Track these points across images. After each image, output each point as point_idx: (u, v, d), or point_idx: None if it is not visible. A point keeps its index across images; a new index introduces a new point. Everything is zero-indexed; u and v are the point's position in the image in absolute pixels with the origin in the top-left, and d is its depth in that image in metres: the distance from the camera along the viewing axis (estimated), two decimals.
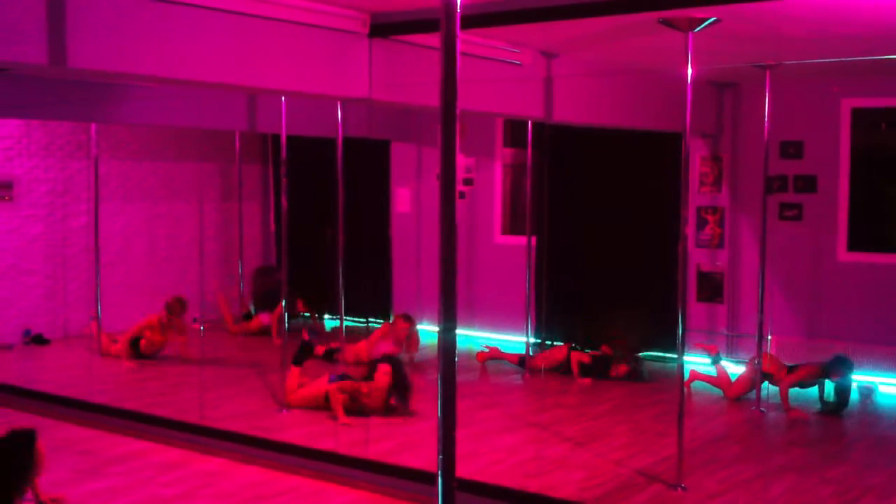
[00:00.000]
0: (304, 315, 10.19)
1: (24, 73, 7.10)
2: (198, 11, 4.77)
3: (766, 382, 7.37)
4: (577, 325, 9.55)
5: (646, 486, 5.47)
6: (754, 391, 7.37)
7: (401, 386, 7.01)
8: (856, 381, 7.77)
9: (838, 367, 7.24)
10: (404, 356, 8.50)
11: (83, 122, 9.58)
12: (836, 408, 7.24)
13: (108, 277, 10.15)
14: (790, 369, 7.37)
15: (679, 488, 5.37)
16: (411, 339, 8.74)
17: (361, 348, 8.58)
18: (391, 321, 8.92)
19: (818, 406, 7.29)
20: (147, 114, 8.47)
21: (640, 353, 8.61)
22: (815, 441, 6.54)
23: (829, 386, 7.34)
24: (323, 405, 6.99)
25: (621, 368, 8.30)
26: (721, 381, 7.70)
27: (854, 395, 7.55)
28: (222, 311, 10.44)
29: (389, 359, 7.18)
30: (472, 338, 9.33)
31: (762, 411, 7.21)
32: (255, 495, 5.34)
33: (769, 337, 8.34)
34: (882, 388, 7.86)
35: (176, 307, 8.98)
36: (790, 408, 7.10)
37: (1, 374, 8.00)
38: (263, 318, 10.20)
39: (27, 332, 9.67)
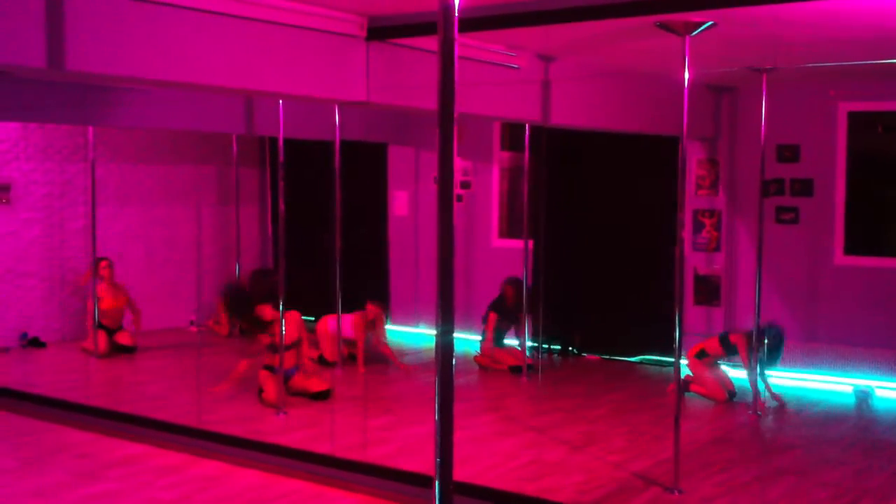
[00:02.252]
0: None
1: (22, 76, 7.10)
2: (196, 15, 4.78)
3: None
4: (574, 329, 9.57)
5: (643, 489, 5.47)
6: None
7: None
8: (853, 384, 7.80)
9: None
10: (369, 340, 8.76)
11: (81, 126, 9.58)
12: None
13: None
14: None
15: (676, 492, 5.37)
16: (377, 322, 8.84)
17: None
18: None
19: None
20: (145, 117, 8.47)
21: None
22: (811, 445, 6.54)
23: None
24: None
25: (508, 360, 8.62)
26: (711, 392, 7.71)
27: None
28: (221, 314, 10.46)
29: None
30: (470, 341, 9.33)
31: (759, 415, 7.22)
32: (254, 499, 5.33)
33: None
34: (879, 392, 7.87)
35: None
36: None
37: None
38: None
39: (24, 336, 9.66)
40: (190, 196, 11.30)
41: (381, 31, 5.57)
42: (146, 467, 5.91)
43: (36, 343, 9.61)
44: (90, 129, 9.33)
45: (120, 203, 10.63)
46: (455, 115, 2.58)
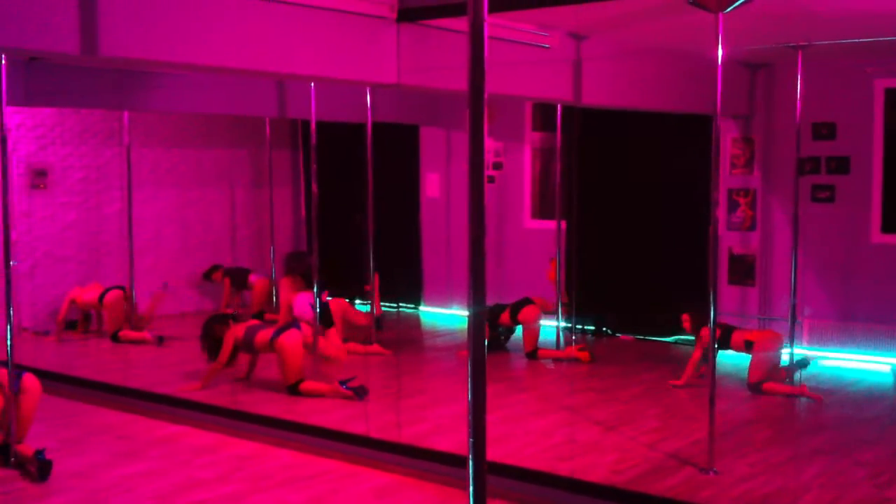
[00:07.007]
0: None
1: (57, 62, 7.18)
2: None
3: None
4: (607, 310, 9.54)
5: (677, 469, 5.47)
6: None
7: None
8: (891, 363, 7.72)
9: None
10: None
11: (116, 110, 9.67)
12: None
13: (142, 264, 10.26)
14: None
15: (711, 472, 5.36)
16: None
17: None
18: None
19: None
20: (178, 101, 8.54)
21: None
22: (848, 424, 6.50)
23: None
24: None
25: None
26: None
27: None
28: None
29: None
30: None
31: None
32: (289, 478, 5.40)
33: (801, 320, 8.27)
34: None
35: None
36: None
37: (38, 360, 8.12)
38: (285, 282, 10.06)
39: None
40: (224, 179, 11.38)
41: (411, 12, 5.57)
42: (184, 447, 5.99)
43: (73, 326, 9.74)
44: (125, 113, 9.42)
45: (155, 187, 10.73)
46: (486, 95, 2.59)
